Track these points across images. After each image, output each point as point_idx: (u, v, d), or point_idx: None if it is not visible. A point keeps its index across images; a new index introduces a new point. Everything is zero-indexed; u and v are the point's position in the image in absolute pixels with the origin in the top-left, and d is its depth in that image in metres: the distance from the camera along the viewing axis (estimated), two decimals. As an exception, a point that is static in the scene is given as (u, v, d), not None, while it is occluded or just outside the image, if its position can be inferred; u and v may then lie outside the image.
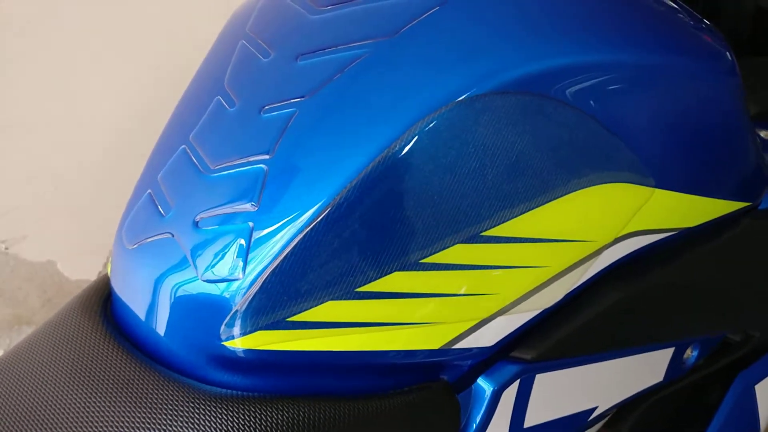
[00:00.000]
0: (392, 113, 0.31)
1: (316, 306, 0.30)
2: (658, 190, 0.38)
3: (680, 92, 0.37)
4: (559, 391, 0.40)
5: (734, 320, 0.51)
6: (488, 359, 0.36)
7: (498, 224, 0.33)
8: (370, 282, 0.31)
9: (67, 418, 0.30)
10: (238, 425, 0.29)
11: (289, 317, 0.30)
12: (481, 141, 0.31)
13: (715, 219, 0.43)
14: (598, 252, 0.37)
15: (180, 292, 0.31)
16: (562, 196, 0.34)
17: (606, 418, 0.49)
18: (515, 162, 0.32)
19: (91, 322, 0.34)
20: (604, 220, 0.37)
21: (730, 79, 0.38)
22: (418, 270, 0.31)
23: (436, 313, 0.33)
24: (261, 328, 0.30)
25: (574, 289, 0.37)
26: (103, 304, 0.36)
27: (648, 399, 0.50)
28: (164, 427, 0.29)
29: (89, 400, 0.30)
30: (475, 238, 0.32)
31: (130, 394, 0.30)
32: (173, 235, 0.32)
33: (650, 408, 0.51)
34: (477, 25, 0.33)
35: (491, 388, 0.36)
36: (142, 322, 0.33)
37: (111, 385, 0.31)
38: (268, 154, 0.32)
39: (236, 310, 0.30)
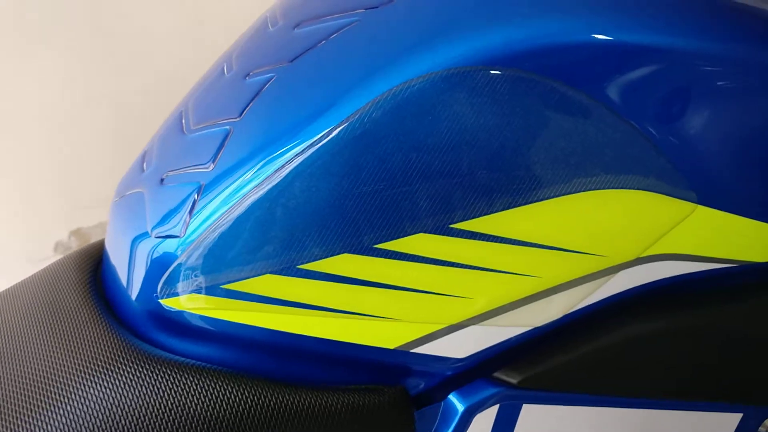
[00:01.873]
0: (364, 82, 0.29)
1: (253, 277, 0.28)
2: (701, 208, 0.31)
3: (739, 89, 0.30)
4: (557, 431, 0.34)
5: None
6: (465, 375, 0.32)
7: (472, 217, 0.29)
8: (314, 260, 0.28)
9: (22, 358, 0.31)
10: (162, 389, 0.28)
11: (224, 284, 0.29)
12: (457, 119, 0.28)
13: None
14: (611, 270, 0.31)
15: (136, 248, 0.31)
16: (558, 196, 0.29)
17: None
18: (497, 148, 0.28)
19: (77, 274, 0.35)
20: (620, 233, 0.31)
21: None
22: (371, 255, 0.29)
23: (389, 307, 0.29)
24: (196, 291, 0.29)
25: (578, 310, 0.32)
26: (98, 258, 0.37)
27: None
28: (95, 381, 0.29)
29: (46, 347, 0.31)
30: (443, 230, 0.29)
31: (80, 347, 0.30)
32: (143, 191, 0.32)
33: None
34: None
35: (462, 407, 0.31)
36: (114, 275, 0.34)
37: (66, 334, 0.31)
38: (237, 116, 0.31)
39: (174, 268, 0.29)
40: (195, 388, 0.28)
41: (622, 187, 0.30)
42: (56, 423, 0.28)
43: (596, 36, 0.29)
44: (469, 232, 0.29)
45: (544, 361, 0.32)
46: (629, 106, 0.29)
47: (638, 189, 0.30)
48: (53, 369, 0.30)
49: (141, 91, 0.88)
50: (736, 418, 0.38)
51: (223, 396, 0.28)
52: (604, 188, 0.30)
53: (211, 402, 0.28)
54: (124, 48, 0.85)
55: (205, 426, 0.27)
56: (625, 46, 0.29)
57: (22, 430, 0.28)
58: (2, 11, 0.79)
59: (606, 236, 0.31)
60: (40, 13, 0.80)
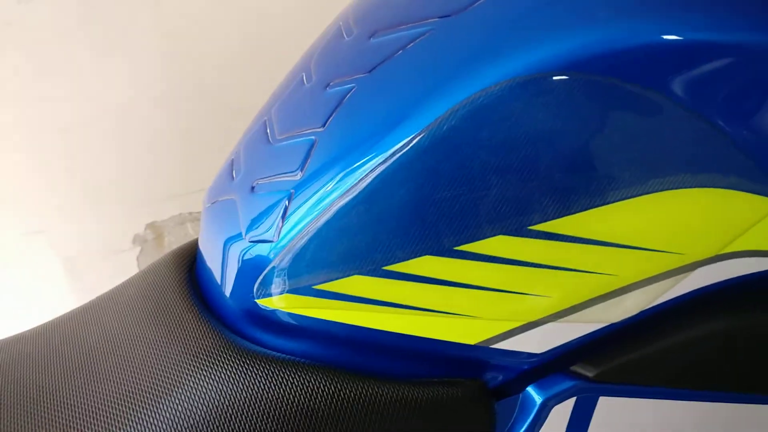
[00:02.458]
0: (442, 90, 0.30)
1: (342, 278, 0.30)
2: (783, 203, 0.31)
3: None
4: (633, 423, 0.35)
5: None
6: (543, 369, 0.33)
7: (549, 219, 0.30)
8: (398, 262, 0.30)
9: (129, 353, 0.34)
10: (261, 382, 0.31)
11: (315, 284, 0.31)
12: (533, 124, 0.29)
13: None
14: (688, 268, 0.32)
15: (231, 251, 0.34)
16: (635, 196, 0.30)
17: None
18: (574, 151, 0.29)
19: (176, 273, 0.38)
20: (699, 231, 0.31)
21: None
22: (452, 257, 0.30)
23: (470, 306, 0.31)
24: (289, 291, 0.31)
25: (655, 306, 0.32)
26: (192, 258, 0.40)
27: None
28: (199, 374, 0.31)
29: (150, 343, 0.34)
30: (521, 231, 0.30)
31: (183, 342, 0.33)
32: (235, 198, 0.35)
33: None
34: (544, 3, 0.30)
35: (540, 399, 0.33)
36: (209, 275, 0.36)
37: (168, 331, 0.34)
38: (321, 126, 0.32)
39: (268, 270, 0.31)
40: (291, 381, 0.30)
41: (700, 186, 0.30)
42: (163, 415, 0.31)
43: (667, 36, 0.29)
44: (547, 233, 0.30)
45: (620, 356, 0.33)
46: (705, 104, 0.29)
47: (717, 187, 0.30)
48: (159, 363, 0.33)
49: (206, 91, 0.91)
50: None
51: (317, 388, 0.30)
52: (681, 187, 0.30)
53: (307, 394, 0.30)
54: (192, 50, 0.88)
55: (302, 417, 0.30)
56: (696, 44, 0.29)
57: (131, 421, 0.31)
58: (82, 18, 0.83)
59: (684, 234, 0.31)
60: (112, 20, 0.84)
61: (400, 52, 0.33)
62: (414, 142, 0.29)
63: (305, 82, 0.37)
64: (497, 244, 0.30)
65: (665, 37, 0.29)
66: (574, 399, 0.33)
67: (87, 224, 0.99)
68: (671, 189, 0.30)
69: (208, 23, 0.87)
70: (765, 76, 0.30)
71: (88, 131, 0.92)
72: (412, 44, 0.33)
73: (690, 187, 0.30)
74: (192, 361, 0.32)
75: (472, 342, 0.31)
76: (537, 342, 0.32)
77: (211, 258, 0.36)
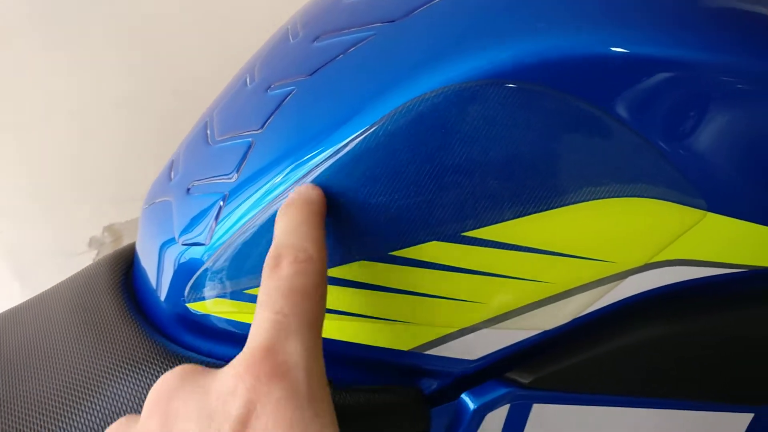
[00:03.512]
0: (380, 95, 0.30)
1: (274, 282, 0.30)
2: (711, 215, 0.32)
3: (746, 97, 0.31)
4: (567, 430, 0.35)
5: None
6: (478, 375, 0.33)
7: (483, 225, 0.30)
8: (330, 266, 0.30)
9: (58, 356, 0.33)
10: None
11: (246, 289, 0.30)
12: (470, 131, 0.29)
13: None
14: (620, 276, 0.32)
15: (165, 254, 0.33)
16: (568, 204, 0.30)
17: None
18: (509, 159, 0.29)
19: (110, 277, 0.37)
20: (629, 240, 0.32)
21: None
22: (386, 262, 0.30)
23: (404, 311, 0.31)
24: (220, 296, 0.30)
25: (588, 314, 0.33)
26: (129, 262, 0.39)
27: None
28: (126, 379, 0.31)
29: (80, 347, 0.33)
30: (455, 237, 0.30)
31: (112, 346, 0.32)
32: (171, 200, 0.34)
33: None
34: (487, 11, 0.30)
35: (473, 406, 0.33)
36: (145, 279, 0.35)
37: (99, 334, 0.33)
38: (259, 128, 0.32)
39: (199, 274, 0.31)
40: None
41: (631, 196, 0.31)
42: (89, 419, 0.30)
43: (605, 50, 0.29)
44: (481, 239, 0.30)
45: (554, 363, 0.33)
46: (638, 118, 0.30)
47: (647, 197, 0.31)
48: (87, 367, 0.32)
49: (170, 91, 0.90)
50: (747, 418, 0.39)
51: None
52: (613, 197, 0.31)
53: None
54: (153, 48, 0.87)
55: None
56: (630, 58, 0.29)
57: (56, 424, 0.30)
58: (34, 10, 0.81)
59: (615, 243, 0.31)
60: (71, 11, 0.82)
61: (341, 56, 0.33)
62: (349, 146, 0.29)
63: (248, 84, 0.36)
64: (432, 250, 0.30)
65: (602, 50, 0.29)
66: (508, 406, 0.33)
67: (39, 225, 0.97)
68: (603, 198, 0.30)
69: (176, 22, 0.86)
70: (696, 93, 0.30)
71: (45, 130, 0.90)
72: (353, 48, 0.33)
73: (621, 196, 0.31)
74: (120, 365, 0.31)
75: (405, 348, 0.31)
76: (471, 348, 0.32)
77: (147, 261, 0.35)
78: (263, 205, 0.30)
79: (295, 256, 0.24)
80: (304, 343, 0.22)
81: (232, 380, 0.21)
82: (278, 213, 0.27)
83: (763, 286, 0.35)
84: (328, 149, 0.29)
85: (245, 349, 0.22)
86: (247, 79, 0.37)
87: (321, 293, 0.25)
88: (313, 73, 0.33)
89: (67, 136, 0.89)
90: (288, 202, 0.27)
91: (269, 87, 0.34)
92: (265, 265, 0.25)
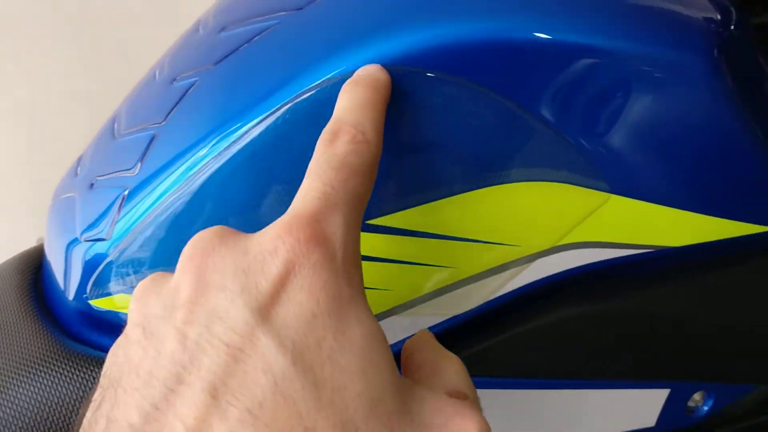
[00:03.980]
0: (279, 84, 0.30)
1: (178, 276, 0.29)
2: (615, 197, 0.33)
3: (645, 84, 0.32)
4: (486, 416, 0.35)
5: (761, 372, 0.43)
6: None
7: (388, 213, 0.30)
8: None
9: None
10: (89, 385, 0.29)
11: (150, 284, 0.30)
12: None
13: (719, 242, 0.36)
14: (527, 260, 0.33)
15: (70, 252, 0.32)
16: (472, 189, 0.30)
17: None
18: (407, 146, 0.29)
19: (17, 277, 0.36)
20: (534, 223, 0.32)
21: (709, 73, 0.31)
22: (291, 252, 0.30)
23: (312, 301, 0.30)
24: (122, 291, 0.30)
25: (497, 298, 0.33)
26: (38, 261, 0.38)
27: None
28: (25, 379, 0.30)
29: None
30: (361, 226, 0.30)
31: (13, 347, 0.31)
32: (75, 195, 0.33)
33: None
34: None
35: (388, 394, 0.33)
36: (52, 278, 0.35)
37: (2, 336, 0.32)
38: (162, 120, 0.32)
39: (101, 270, 0.30)
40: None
41: (534, 180, 0.31)
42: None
43: (502, 35, 0.30)
44: (386, 227, 0.30)
45: (466, 348, 0.34)
46: (538, 103, 0.30)
47: (551, 181, 0.31)
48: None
49: (117, 86, 0.88)
50: (663, 393, 0.40)
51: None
52: (516, 181, 0.31)
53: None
54: (102, 45, 0.85)
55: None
56: (531, 44, 0.30)
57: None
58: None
59: (521, 227, 0.32)
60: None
61: (246, 45, 0.32)
62: (248, 136, 0.29)
63: (156, 77, 0.36)
64: (336, 239, 0.30)
65: (497, 35, 0.30)
66: (423, 392, 0.33)
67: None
68: (504, 183, 0.31)
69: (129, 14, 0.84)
70: (596, 79, 0.31)
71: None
72: (257, 37, 0.32)
73: (523, 181, 0.31)
74: (23, 365, 0.30)
75: (316, 338, 0.31)
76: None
77: (54, 260, 0.35)
78: (165, 198, 0.29)
79: (353, 135, 0.25)
80: (347, 218, 0.23)
81: (272, 241, 0.21)
82: (343, 88, 0.27)
83: (672, 265, 0.36)
84: (227, 139, 0.29)
85: (287, 213, 0.22)
86: (156, 73, 0.36)
87: (371, 176, 0.25)
88: (217, 63, 0.32)
89: (13, 135, 0.87)
90: (355, 79, 0.27)
91: (174, 79, 0.34)
92: (321, 138, 0.25)
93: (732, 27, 0.31)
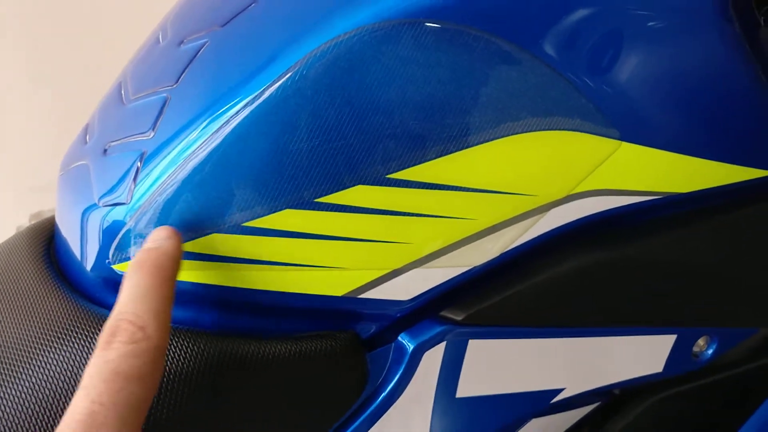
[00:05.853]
0: (295, 41, 0.30)
1: (200, 237, 0.30)
2: (625, 144, 0.33)
3: (653, 30, 0.32)
4: (504, 364, 0.36)
5: (763, 315, 0.44)
6: (413, 316, 0.34)
7: (407, 167, 0.30)
8: (257, 217, 0.30)
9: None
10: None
11: (173, 246, 0.30)
12: (386, 72, 0.29)
13: (726, 187, 0.37)
14: (542, 209, 0.33)
15: (87, 219, 0.32)
16: (487, 141, 0.31)
17: (595, 405, 0.44)
18: (426, 99, 0.29)
19: (31, 249, 0.36)
20: (549, 173, 0.33)
21: (718, 16, 0.32)
22: (313, 209, 0.30)
23: (334, 257, 0.31)
24: (145, 255, 0.30)
25: (515, 248, 0.34)
26: (50, 233, 0.38)
27: (657, 393, 0.44)
28: (54, 347, 0.30)
29: (5, 319, 0.32)
30: (380, 180, 0.30)
31: (38, 316, 0.31)
32: (88, 163, 0.33)
33: (662, 403, 0.45)
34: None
35: (411, 346, 0.33)
36: (67, 248, 0.34)
37: (23, 306, 0.32)
38: (173, 83, 0.31)
39: (123, 234, 0.30)
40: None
41: (547, 129, 0.32)
42: (20, 392, 0.29)
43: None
44: (405, 181, 0.30)
45: (486, 298, 0.34)
46: (550, 51, 0.31)
47: (563, 130, 0.32)
48: (14, 339, 0.31)
49: (88, 69, 0.87)
50: (671, 339, 0.41)
51: (180, 351, 0.30)
52: (530, 131, 0.31)
53: (170, 358, 0.29)
54: (69, 27, 0.83)
55: (166, 381, 0.29)
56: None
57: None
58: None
59: (535, 177, 0.32)
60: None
61: (254, 5, 0.32)
62: (267, 93, 0.29)
63: (161, 41, 0.35)
64: (357, 194, 0.30)
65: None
66: (444, 344, 0.34)
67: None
68: (520, 133, 0.31)
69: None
70: (606, 26, 0.31)
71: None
72: (264, -3, 0.32)
73: (538, 130, 0.31)
74: (50, 333, 0.30)
75: (339, 293, 0.32)
76: (403, 289, 0.32)
77: (68, 229, 0.34)
78: (182, 160, 0.29)
79: (131, 334, 0.23)
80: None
81: None
82: (125, 274, 0.26)
83: (679, 212, 0.37)
84: (245, 98, 0.29)
85: None
86: (160, 37, 0.36)
87: (153, 374, 0.23)
88: (226, 23, 0.32)
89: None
90: (137, 263, 0.26)
91: (182, 42, 0.33)
92: (99, 340, 0.24)
93: None
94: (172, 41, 0.34)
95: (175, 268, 0.27)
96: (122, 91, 0.34)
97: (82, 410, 0.22)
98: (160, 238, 0.27)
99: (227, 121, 0.29)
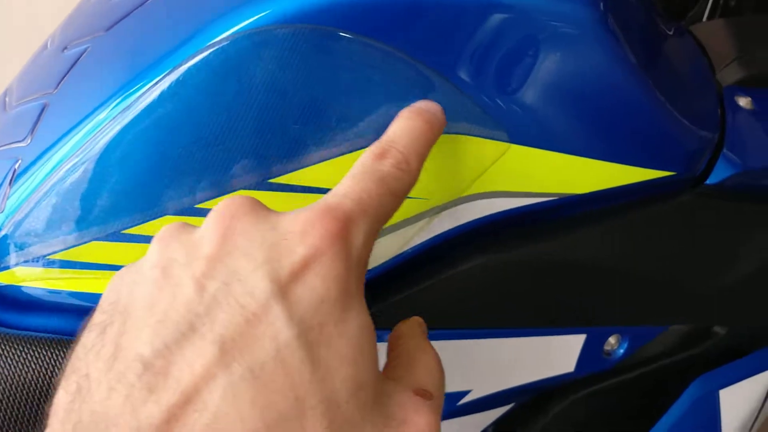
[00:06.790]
0: (172, 47, 0.29)
1: (78, 245, 0.29)
2: (514, 146, 0.33)
3: (538, 35, 0.32)
4: (405, 366, 0.36)
5: (671, 313, 0.45)
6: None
7: (289, 171, 0.30)
8: (137, 224, 0.29)
9: None
10: (-3, 362, 0.29)
11: (49, 254, 0.29)
12: (259, 78, 0.29)
13: (625, 188, 0.37)
14: (434, 211, 0.33)
15: (-36, 228, 0.31)
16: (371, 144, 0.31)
17: (507, 408, 0.44)
18: (304, 104, 0.29)
19: None
20: (439, 175, 0.33)
21: (596, 24, 0.32)
22: (194, 215, 0.30)
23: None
24: (21, 264, 0.29)
25: (409, 251, 0.34)
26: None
27: (575, 392, 0.45)
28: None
29: None
30: (263, 185, 0.30)
31: None
32: (-33, 171, 0.32)
33: (581, 402, 0.45)
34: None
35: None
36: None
37: None
38: (53, 89, 0.31)
39: (-3, 245, 0.29)
40: (27, 357, 0.29)
41: (433, 132, 0.32)
42: None
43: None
44: (288, 185, 0.30)
45: (379, 301, 0.34)
46: (435, 55, 0.31)
47: (450, 133, 0.32)
48: None
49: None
50: (580, 338, 0.41)
51: (57, 362, 0.29)
52: (416, 134, 0.31)
53: (44, 369, 0.29)
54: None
55: (39, 392, 0.28)
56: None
57: None
58: None
59: (424, 179, 0.32)
60: None
61: (137, 9, 0.32)
62: (142, 100, 0.28)
63: (48, 47, 0.35)
64: (240, 199, 0.30)
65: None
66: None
67: None
68: (406, 136, 0.31)
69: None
70: (493, 29, 0.31)
71: None
72: (149, 1, 0.32)
73: (424, 133, 0.31)
74: None
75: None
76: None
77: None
78: (59, 166, 0.29)
79: (399, 161, 0.26)
80: (370, 227, 0.24)
81: (303, 224, 0.23)
82: (405, 112, 0.28)
83: (580, 212, 0.37)
84: (121, 104, 0.29)
85: (322, 202, 0.24)
86: (48, 43, 0.35)
87: (400, 202, 0.26)
88: (109, 29, 0.32)
89: None
90: (416, 109, 0.29)
91: (65, 47, 0.33)
92: (370, 149, 0.26)
93: None
94: (58, 47, 0.33)
95: (441, 129, 0.29)
96: (6, 99, 0.34)
97: (356, 192, 0.24)
98: (434, 107, 0.30)
99: (102, 128, 0.28)
